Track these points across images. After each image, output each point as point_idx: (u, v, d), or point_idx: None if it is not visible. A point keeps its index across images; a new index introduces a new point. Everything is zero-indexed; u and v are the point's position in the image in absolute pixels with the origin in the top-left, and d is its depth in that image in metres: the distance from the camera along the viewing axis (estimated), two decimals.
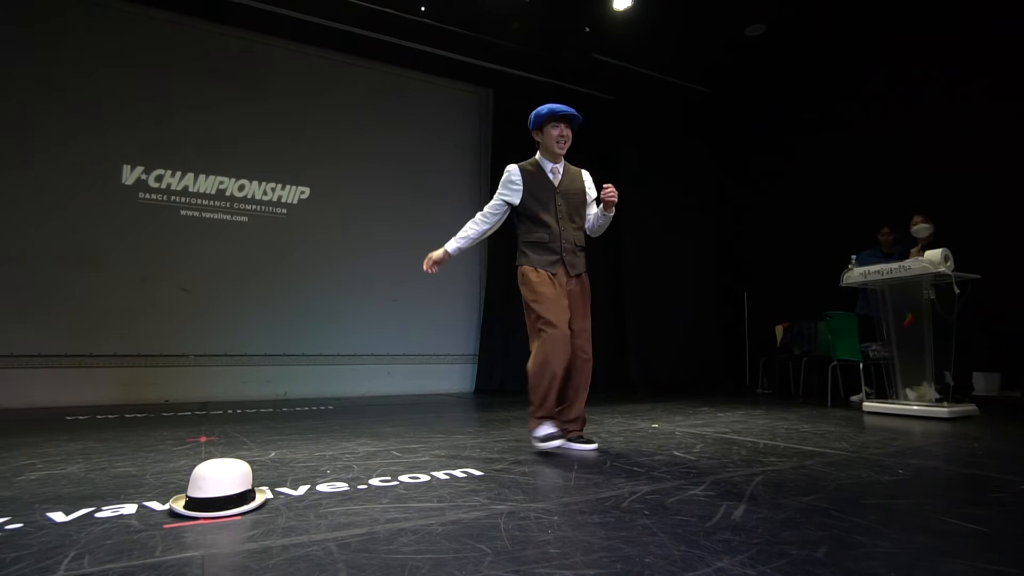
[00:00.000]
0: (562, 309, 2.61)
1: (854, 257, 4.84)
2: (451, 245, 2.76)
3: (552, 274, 2.66)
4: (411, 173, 6.44)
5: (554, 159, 2.75)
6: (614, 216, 2.80)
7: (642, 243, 6.99)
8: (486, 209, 2.77)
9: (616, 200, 2.67)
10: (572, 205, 2.76)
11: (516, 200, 2.71)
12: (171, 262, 5.28)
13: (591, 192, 2.85)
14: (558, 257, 2.68)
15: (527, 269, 2.68)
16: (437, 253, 2.76)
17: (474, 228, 2.76)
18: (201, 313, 5.33)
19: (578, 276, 2.74)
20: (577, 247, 2.75)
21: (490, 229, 2.80)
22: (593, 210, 2.86)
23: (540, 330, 2.57)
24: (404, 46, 6.02)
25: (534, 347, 2.60)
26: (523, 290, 2.69)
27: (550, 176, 2.74)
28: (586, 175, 2.87)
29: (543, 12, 5.72)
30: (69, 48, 5.01)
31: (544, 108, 2.70)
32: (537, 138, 2.76)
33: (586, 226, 2.86)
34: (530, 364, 2.60)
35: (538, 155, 2.78)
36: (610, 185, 2.66)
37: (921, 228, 4.51)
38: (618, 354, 6.83)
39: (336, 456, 2.51)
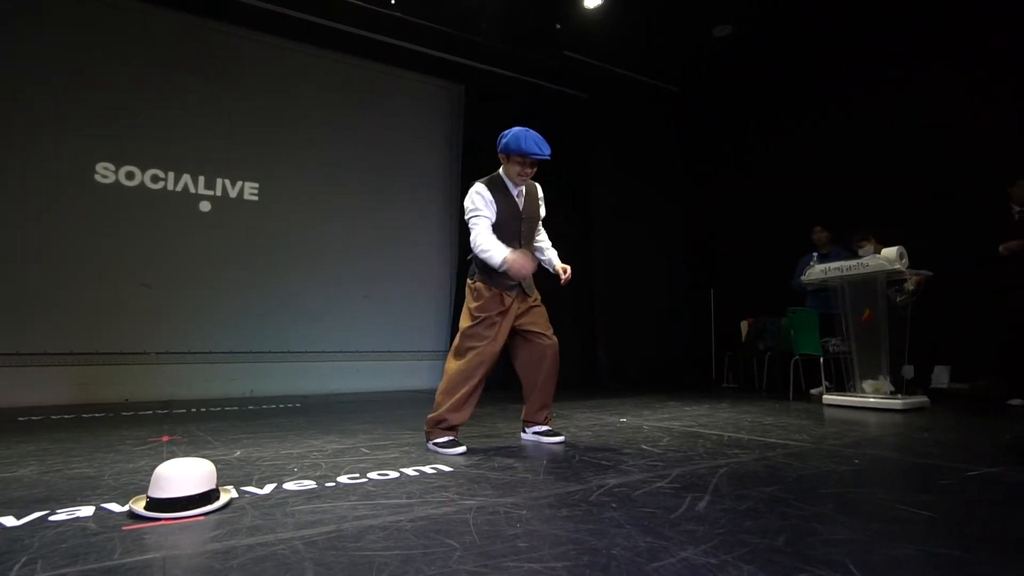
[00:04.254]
0: (502, 331, 2.64)
1: (815, 255, 4.99)
2: (504, 255, 2.56)
3: (507, 296, 2.65)
4: (380, 168, 6.36)
5: (517, 184, 2.71)
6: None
7: (612, 240, 7.07)
8: (484, 231, 2.60)
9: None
10: (530, 228, 2.80)
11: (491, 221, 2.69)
12: (133, 257, 5.10)
13: (543, 211, 2.86)
14: (515, 283, 2.68)
15: (482, 286, 2.64)
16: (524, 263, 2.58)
17: (495, 242, 2.61)
18: (163, 310, 5.16)
19: (531, 295, 2.75)
20: None
21: None
22: (543, 237, 2.94)
23: (471, 347, 2.60)
24: (374, 39, 5.93)
25: (462, 358, 2.61)
26: (470, 300, 2.68)
27: (516, 200, 2.71)
28: (540, 191, 2.86)
29: (514, 8, 5.71)
30: (25, 40, 4.78)
31: (516, 141, 2.57)
32: (502, 160, 2.68)
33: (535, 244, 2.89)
34: (453, 370, 2.62)
35: (502, 173, 2.70)
36: (568, 271, 2.81)
37: (867, 250, 4.56)
38: (588, 350, 6.90)
39: (303, 454, 2.47)
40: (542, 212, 2.87)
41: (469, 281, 2.71)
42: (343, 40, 5.89)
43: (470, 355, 2.61)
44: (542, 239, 2.95)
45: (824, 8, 5.79)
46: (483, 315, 2.62)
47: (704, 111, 7.62)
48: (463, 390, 2.58)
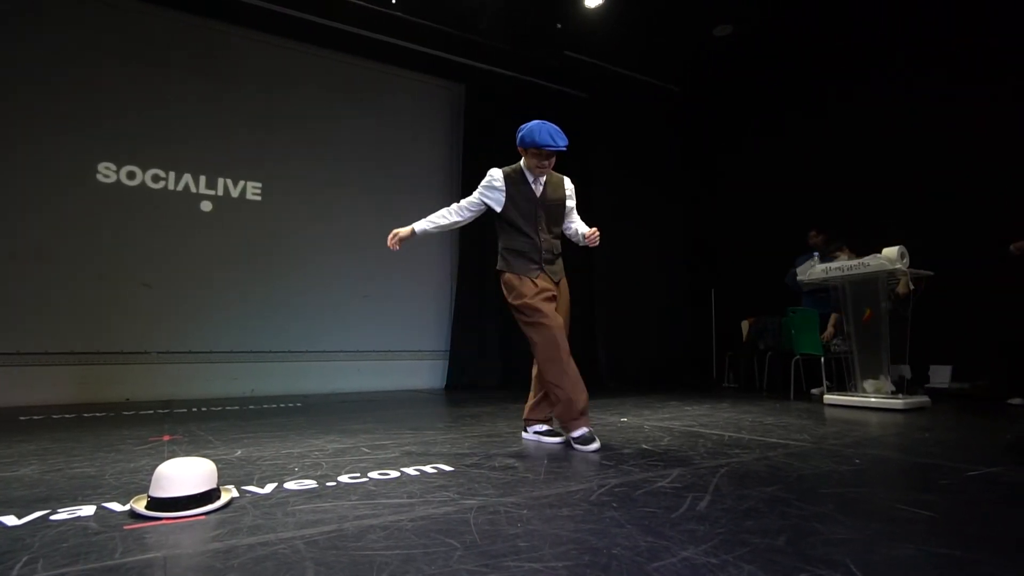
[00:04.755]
0: (550, 304, 2.67)
1: (815, 255, 4.99)
2: (419, 225, 2.77)
3: (534, 279, 2.70)
4: (380, 168, 6.36)
5: (537, 174, 2.75)
6: (586, 211, 2.83)
7: (613, 240, 7.01)
8: (463, 202, 2.78)
9: (598, 243, 2.79)
10: (552, 215, 2.80)
11: (498, 208, 2.74)
12: (133, 257, 5.10)
13: (571, 201, 2.87)
14: (538, 266, 2.72)
15: (510, 276, 2.70)
16: (404, 230, 2.76)
17: (446, 217, 2.78)
18: (164, 309, 5.17)
19: (558, 282, 2.78)
20: (555, 255, 2.80)
21: (462, 222, 2.81)
22: (575, 220, 2.92)
23: (536, 329, 2.61)
24: (375, 39, 5.93)
25: (536, 348, 2.63)
26: (508, 296, 2.72)
27: (533, 187, 2.74)
28: (568, 183, 2.87)
29: (515, 8, 5.71)
30: (25, 40, 4.79)
31: (531, 134, 2.61)
32: (521, 152, 2.72)
33: (567, 233, 2.92)
34: (540, 364, 2.64)
35: (522, 164, 2.75)
36: (596, 230, 2.76)
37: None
38: (588, 350, 6.90)
39: (304, 453, 2.47)
40: (570, 203, 2.86)
41: (501, 276, 2.76)
42: (344, 40, 5.89)
43: (539, 338, 2.60)
44: (576, 223, 2.93)
45: (824, 8, 5.79)
46: (519, 302, 2.65)
47: (704, 111, 7.61)
48: (559, 371, 2.58)
